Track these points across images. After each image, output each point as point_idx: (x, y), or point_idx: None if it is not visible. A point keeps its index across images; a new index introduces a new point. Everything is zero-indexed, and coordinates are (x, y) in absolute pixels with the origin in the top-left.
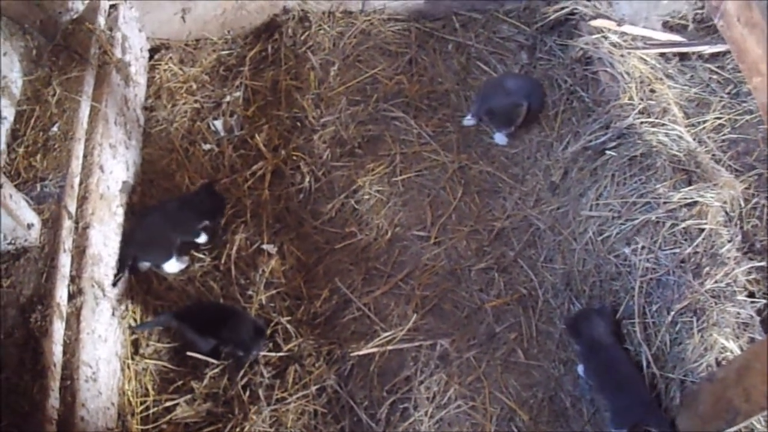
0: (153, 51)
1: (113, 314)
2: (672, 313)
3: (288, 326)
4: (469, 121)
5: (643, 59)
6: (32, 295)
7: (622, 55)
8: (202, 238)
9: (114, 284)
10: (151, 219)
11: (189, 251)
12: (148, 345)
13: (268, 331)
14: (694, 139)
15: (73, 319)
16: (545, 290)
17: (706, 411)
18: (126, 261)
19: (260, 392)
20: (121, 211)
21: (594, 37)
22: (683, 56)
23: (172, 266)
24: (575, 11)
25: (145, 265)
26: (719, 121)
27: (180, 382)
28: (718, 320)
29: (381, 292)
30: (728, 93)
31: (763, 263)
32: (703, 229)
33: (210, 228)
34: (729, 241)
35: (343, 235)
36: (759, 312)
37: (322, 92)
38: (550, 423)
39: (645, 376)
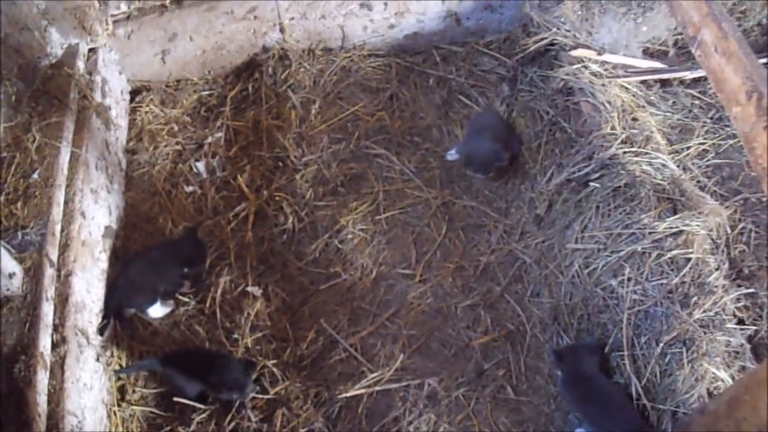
0: (134, 93)
1: (98, 361)
2: (661, 344)
3: (274, 369)
4: (452, 155)
5: (624, 87)
6: (15, 345)
7: (603, 84)
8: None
9: (101, 333)
10: (135, 266)
11: (174, 295)
12: (134, 391)
13: (255, 375)
14: (678, 166)
15: (57, 368)
16: (533, 325)
17: None
18: (111, 309)
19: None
20: (104, 256)
21: (575, 67)
22: (664, 82)
23: (157, 311)
24: (555, 42)
25: (129, 310)
26: (703, 147)
27: (167, 428)
28: (708, 350)
29: (367, 332)
30: (711, 118)
31: (751, 289)
32: (689, 259)
33: (192, 274)
34: (716, 269)
35: (328, 276)
36: (749, 339)
37: (303, 131)
38: None
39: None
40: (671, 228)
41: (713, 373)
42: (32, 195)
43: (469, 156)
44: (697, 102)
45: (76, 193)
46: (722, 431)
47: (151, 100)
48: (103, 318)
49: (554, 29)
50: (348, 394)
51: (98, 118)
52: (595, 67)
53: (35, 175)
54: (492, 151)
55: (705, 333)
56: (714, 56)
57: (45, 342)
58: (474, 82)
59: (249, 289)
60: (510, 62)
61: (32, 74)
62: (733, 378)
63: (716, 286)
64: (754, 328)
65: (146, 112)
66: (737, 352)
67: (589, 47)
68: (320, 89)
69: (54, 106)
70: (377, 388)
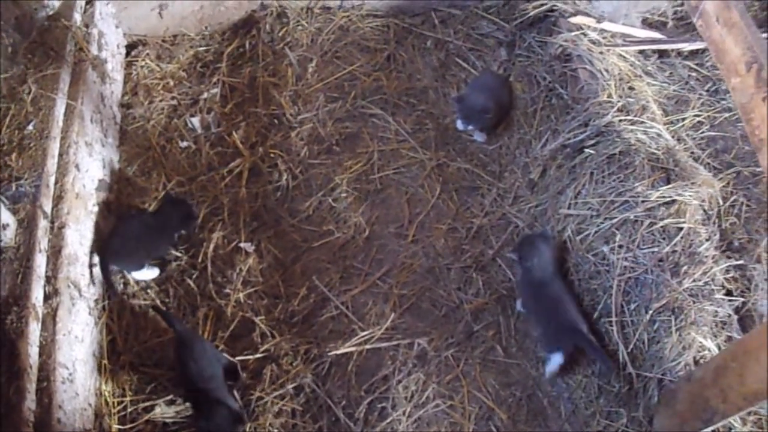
0: (130, 47)
1: (90, 314)
2: (650, 311)
3: (263, 327)
4: (461, 126)
5: (622, 56)
6: (8, 296)
7: (601, 53)
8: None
9: (109, 296)
10: (130, 227)
11: (162, 259)
12: (125, 344)
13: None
14: (672, 137)
15: (49, 320)
16: None
17: (684, 410)
18: (108, 270)
19: (236, 392)
20: (97, 209)
21: (573, 34)
22: (662, 53)
23: (143, 275)
24: (554, 8)
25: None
26: (698, 119)
27: (156, 383)
28: (696, 319)
29: (359, 290)
30: (707, 90)
31: (740, 261)
32: (681, 228)
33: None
34: (707, 240)
35: (321, 233)
36: (737, 310)
37: (299, 89)
38: (528, 422)
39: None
40: (664, 197)
41: (700, 342)
42: (27, 146)
43: (461, 104)
44: (693, 74)
45: (71, 145)
46: (708, 398)
47: (147, 54)
48: (105, 281)
49: None
50: (338, 352)
51: (94, 71)
52: (593, 35)
53: (30, 127)
54: (481, 103)
55: (694, 302)
56: (715, 26)
57: (37, 293)
58: (472, 46)
59: (242, 245)
60: (509, 27)
61: (29, 26)
62: (719, 348)
63: (706, 257)
64: (742, 299)
65: (142, 67)
66: (724, 323)
67: (588, 15)
68: (317, 48)
69: (50, 58)
70: (367, 346)
